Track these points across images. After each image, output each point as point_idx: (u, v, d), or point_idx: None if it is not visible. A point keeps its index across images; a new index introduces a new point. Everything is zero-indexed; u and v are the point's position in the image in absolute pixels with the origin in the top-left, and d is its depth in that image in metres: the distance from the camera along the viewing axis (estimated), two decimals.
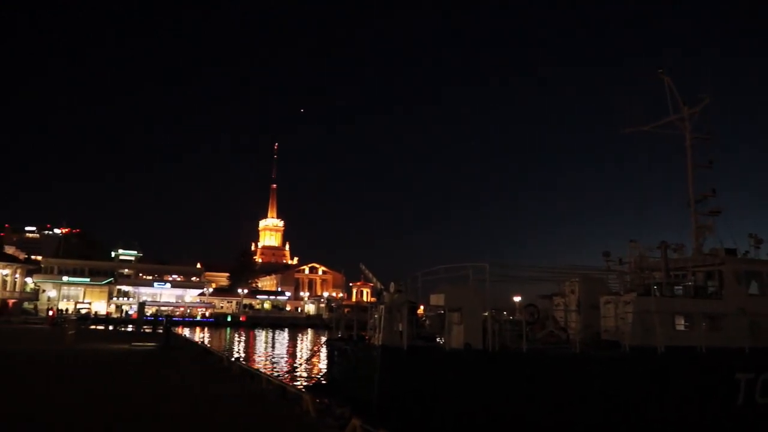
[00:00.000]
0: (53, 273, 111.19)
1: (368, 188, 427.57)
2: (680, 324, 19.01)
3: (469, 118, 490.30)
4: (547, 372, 16.22)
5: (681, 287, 21.73)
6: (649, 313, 17.77)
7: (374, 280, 21.88)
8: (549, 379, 16.07)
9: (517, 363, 16.19)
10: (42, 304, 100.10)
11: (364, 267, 22.41)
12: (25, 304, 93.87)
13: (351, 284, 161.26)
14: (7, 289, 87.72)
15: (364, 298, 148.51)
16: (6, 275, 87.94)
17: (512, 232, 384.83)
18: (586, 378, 16.39)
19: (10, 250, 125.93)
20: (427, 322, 19.60)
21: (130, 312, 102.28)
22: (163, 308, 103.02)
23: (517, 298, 23.49)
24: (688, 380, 17.39)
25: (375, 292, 19.73)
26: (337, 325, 22.22)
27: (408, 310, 16.31)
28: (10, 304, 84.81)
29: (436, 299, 17.57)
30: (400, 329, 16.32)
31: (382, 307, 16.86)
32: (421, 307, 20.13)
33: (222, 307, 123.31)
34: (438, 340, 18.12)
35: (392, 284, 17.43)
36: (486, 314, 16.91)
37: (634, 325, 17.92)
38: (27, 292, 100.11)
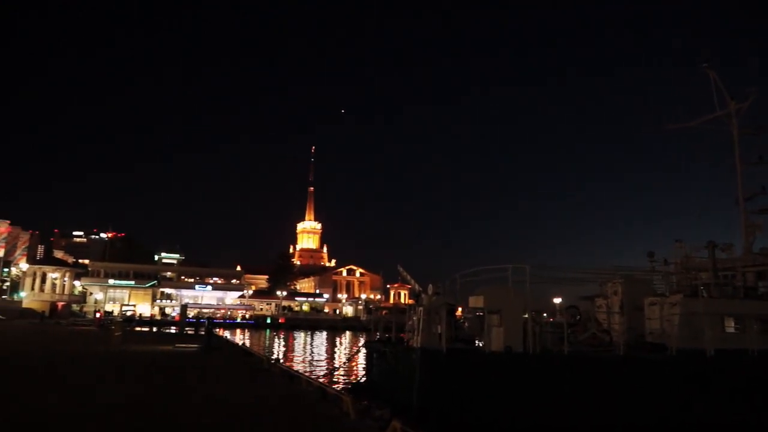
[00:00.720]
0: (100, 276, 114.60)
1: (406, 189, 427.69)
2: (730, 326, 18.38)
3: (511, 118, 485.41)
4: (590, 375, 15.88)
5: (730, 288, 21.01)
6: (697, 315, 17.23)
7: (412, 281, 21.81)
8: (592, 383, 15.72)
9: (559, 366, 15.90)
10: (89, 307, 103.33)
11: (401, 269, 22.37)
12: (73, 307, 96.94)
13: (388, 286, 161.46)
14: (57, 291, 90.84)
15: (402, 300, 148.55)
16: (55, 279, 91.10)
17: (551, 234, 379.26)
18: (631, 381, 15.97)
19: (59, 254, 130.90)
20: (466, 324, 19.46)
21: (173, 314, 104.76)
22: (204, 310, 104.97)
23: (557, 300, 23.11)
24: (739, 384, 16.78)
25: (413, 294, 19.68)
26: (376, 327, 22.26)
27: (447, 312, 16.22)
28: (60, 306, 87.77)
29: (475, 301, 17.40)
30: (439, 331, 16.24)
31: (420, 309, 16.82)
32: (459, 309, 19.98)
33: (261, 309, 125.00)
34: (477, 342, 17.96)
35: (430, 286, 17.36)
36: (526, 316, 16.67)
37: (681, 327, 17.41)
38: (75, 295, 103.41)
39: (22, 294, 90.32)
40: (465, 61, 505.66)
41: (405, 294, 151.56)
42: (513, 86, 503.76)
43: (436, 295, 17.04)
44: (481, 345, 17.48)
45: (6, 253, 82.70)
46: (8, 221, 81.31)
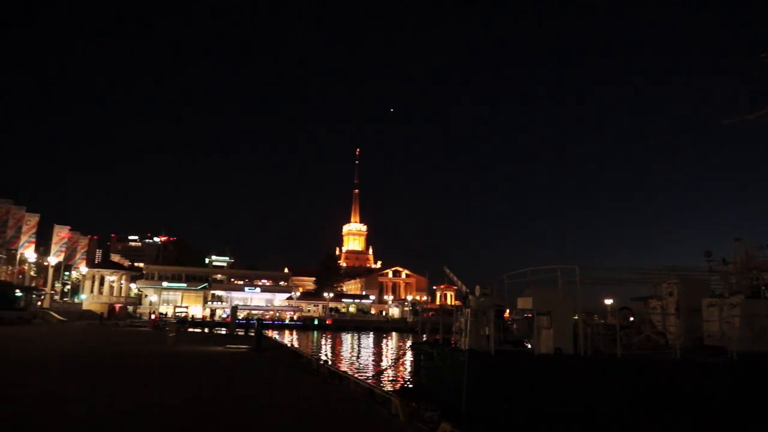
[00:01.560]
0: (154, 279, 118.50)
1: (452, 190, 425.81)
2: None
3: (554, 120, 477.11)
4: (644, 379, 15.42)
5: None
6: (760, 317, 16.52)
7: (458, 283, 21.65)
8: (647, 387, 15.27)
9: (612, 369, 15.51)
10: (144, 308, 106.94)
11: (448, 270, 22.29)
12: (129, 308, 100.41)
13: (434, 287, 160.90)
14: (114, 294, 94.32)
15: (448, 302, 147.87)
16: (113, 281, 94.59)
17: (602, 237, 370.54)
18: (688, 386, 15.43)
19: (115, 258, 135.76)
20: (515, 325, 19.21)
21: (224, 315, 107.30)
22: (253, 312, 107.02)
23: (608, 301, 22.55)
24: None
25: (460, 296, 19.63)
26: (423, 329, 22.23)
27: (495, 313, 16.07)
28: (117, 308, 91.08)
29: (524, 302, 17.18)
30: (487, 333, 16.09)
31: (468, 310, 16.71)
32: (507, 311, 19.77)
33: (309, 310, 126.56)
34: (526, 344, 17.71)
35: (477, 287, 17.23)
36: (576, 318, 16.35)
37: (742, 329, 16.73)
38: (131, 297, 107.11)
39: (82, 296, 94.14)
40: (519, 63, 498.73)
41: (451, 295, 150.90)
42: (560, 89, 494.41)
43: (483, 297, 16.90)
44: (529, 347, 17.24)
45: (66, 258, 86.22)
46: (68, 227, 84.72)
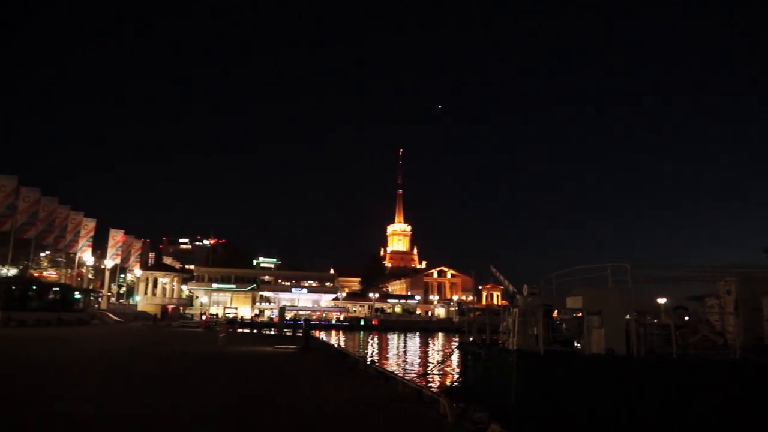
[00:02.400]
0: (204, 281, 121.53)
1: (498, 189, 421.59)
2: None
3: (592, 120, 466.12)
4: (701, 380, 14.90)
5: None
6: None
7: (505, 282, 21.41)
8: (704, 388, 14.75)
9: (667, 370, 15.06)
10: (195, 309, 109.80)
11: (494, 269, 22.07)
12: (181, 309, 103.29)
13: (480, 287, 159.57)
14: (167, 295, 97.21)
15: (494, 301, 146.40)
16: (165, 283, 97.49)
17: (653, 236, 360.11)
18: (748, 387, 14.83)
19: (167, 260, 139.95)
20: (564, 325, 18.88)
21: (272, 316, 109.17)
22: (300, 312, 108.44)
23: (661, 300, 21.92)
24: None
25: (507, 295, 19.44)
26: (469, 329, 22.09)
27: (543, 313, 15.84)
28: (170, 309, 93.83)
29: (573, 302, 16.86)
30: (536, 333, 15.88)
31: (516, 310, 16.53)
32: (556, 311, 19.46)
33: (355, 311, 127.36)
34: (576, 344, 17.38)
35: (525, 286, 17.02)
36: (628, 317, 15.93)
37: None
38: (183, 299, 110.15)
39: (137, 298, 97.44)
40: (581, 64, 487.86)
41: (497, 295, 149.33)
42: (606, 96, 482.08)
43: (531, 296, 16.69)
44: (579, 347, 16.91)
45: (122, 261, 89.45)
46: (123, 231, 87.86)
